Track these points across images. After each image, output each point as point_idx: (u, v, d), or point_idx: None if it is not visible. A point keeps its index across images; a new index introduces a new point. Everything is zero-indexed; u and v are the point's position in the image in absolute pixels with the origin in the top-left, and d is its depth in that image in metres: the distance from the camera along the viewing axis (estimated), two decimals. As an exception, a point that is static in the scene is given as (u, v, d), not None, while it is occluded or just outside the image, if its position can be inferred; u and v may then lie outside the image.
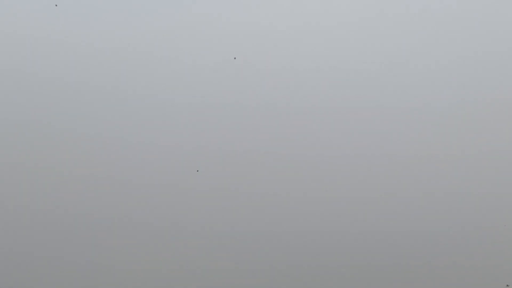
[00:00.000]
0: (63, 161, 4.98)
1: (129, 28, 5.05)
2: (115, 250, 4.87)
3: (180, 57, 5.04)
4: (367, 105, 4.94)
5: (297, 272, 4.84)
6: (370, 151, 4.93)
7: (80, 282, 4.85)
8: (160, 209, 4.91)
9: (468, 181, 4.86)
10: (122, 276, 4.88)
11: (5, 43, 5.05)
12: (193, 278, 4.87)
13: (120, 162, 4.97)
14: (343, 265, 4.85)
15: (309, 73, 5.00)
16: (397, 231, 4.85)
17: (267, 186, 4.92)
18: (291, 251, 4.87)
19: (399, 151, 4.92)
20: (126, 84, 5.06)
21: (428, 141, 4.91)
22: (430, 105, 4.93)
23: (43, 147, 4.98)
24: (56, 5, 5.14)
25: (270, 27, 5.04)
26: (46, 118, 5.02)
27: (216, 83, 4.93)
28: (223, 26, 4.98)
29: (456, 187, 4.86)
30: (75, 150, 4.97)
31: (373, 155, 4.91)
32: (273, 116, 4.98)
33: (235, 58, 5.07)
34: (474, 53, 4.99)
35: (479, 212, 4.81)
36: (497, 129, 4.89)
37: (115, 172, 4.96)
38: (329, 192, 4.91)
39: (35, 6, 5.13)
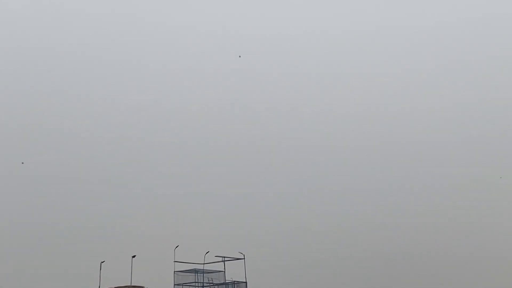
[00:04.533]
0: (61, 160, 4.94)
1: (133, 28, 5.16)
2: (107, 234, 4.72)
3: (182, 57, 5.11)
4: (369, 106, 4.95)
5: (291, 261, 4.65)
6: (371, 151, 4.89)
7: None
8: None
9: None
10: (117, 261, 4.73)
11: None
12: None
13: (120, 160, 4.93)
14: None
15: (311, 76, 5.04)
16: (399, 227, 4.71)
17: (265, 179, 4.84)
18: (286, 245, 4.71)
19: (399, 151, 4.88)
20: (128, 85, 5.09)
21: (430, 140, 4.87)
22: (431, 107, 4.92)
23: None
24: None
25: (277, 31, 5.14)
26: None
27: (220, 80, 4.96)
28: (229, 26, 5.08)
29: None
30: (68, 148, 4.92)
31: (373, 154, 4.87)
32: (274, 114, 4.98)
33: (240, 56, 5.19)
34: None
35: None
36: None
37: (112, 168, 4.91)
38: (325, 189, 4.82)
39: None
